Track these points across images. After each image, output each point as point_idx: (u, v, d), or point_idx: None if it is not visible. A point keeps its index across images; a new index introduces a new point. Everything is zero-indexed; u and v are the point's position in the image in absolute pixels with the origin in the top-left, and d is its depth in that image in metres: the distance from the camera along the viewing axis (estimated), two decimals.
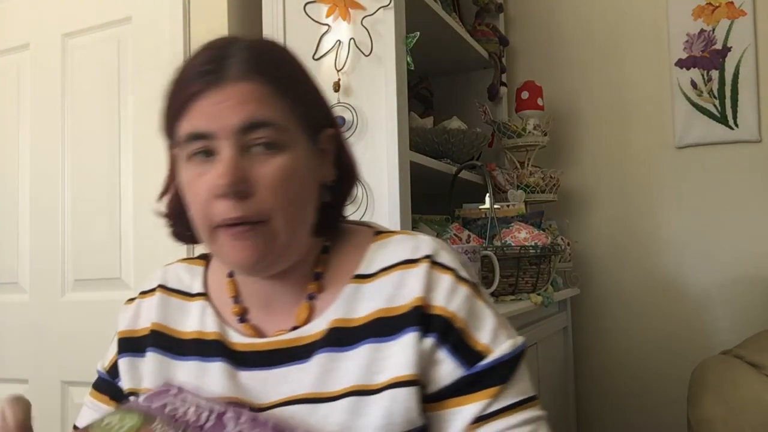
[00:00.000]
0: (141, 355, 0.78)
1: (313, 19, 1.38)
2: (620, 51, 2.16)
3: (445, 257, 0.72)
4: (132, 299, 0.84)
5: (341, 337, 0.70)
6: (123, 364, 0.79)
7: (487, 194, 1.65)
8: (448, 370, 0.68)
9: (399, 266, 0.72)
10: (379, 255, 0.74)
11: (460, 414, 0.67)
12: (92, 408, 0.82)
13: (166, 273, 0.83)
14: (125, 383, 0.79)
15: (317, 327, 0.71)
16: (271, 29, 1.44)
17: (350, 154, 0.78)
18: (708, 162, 2.04)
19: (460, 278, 0.71)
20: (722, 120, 2.02)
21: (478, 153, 1.84)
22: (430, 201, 1.71)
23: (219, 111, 0.65)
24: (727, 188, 2.02)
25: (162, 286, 0.81)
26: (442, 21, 1.67)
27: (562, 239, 1.89)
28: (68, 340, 1.69)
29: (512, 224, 1.61)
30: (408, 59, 1.37)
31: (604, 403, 2.14)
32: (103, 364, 0.83)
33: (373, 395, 0.67)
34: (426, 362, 0.68)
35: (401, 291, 0.70)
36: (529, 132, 1.96)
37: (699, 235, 2.05)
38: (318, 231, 0.74)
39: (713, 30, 2.03)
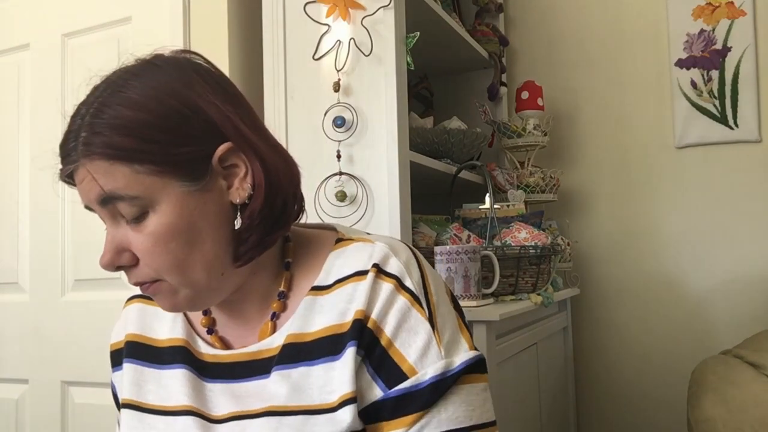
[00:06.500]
0: (120, 367, 0.80)
1: (313, 19, 1.38)
2: (620, 51, 2.16)
3: (393, 264, 0.68)
4: (130, 298, 0.85)
5: (295, 353, 0.68)
6: (114, 378, 0.82)
7: (487, 194, 1.65)
8: (369, 390, 0.66)
9: (353, 278, 0.68)
10: (336, 265, 0.70)
11: None
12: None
13: None
14: (120, 395, 0.80)
15: (275, 342, 0.70)
16: (271, 29, 1.44)
17: (258, 162, 0.67)
18: (708, 162, 2.04)
19: (401, 287, 0.66)
20: (722, 120, 2.02)
21: (478, 153, 1.84)
22: (430, 201, 1.71)
23: (82, 189, 0.67)
24: (727, 188, 2.02)
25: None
26: (442, 21, 1.67)
27: (562, 239, 1.89)
28: (68, 340, 1.69)
29: (512, 224, 1.61)
30: (408, 59, 1.37)
31: (604, 403, 2.14)
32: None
33: (325, 414, 0.65)
34: (358, 378, 0.65)
35: (350, 305, 0.67)
36: (529, 132, 1.96)
37: (699, 235, 2.05)
38: (237, 262, 0.67)
39: (713, 30, 2.03)
